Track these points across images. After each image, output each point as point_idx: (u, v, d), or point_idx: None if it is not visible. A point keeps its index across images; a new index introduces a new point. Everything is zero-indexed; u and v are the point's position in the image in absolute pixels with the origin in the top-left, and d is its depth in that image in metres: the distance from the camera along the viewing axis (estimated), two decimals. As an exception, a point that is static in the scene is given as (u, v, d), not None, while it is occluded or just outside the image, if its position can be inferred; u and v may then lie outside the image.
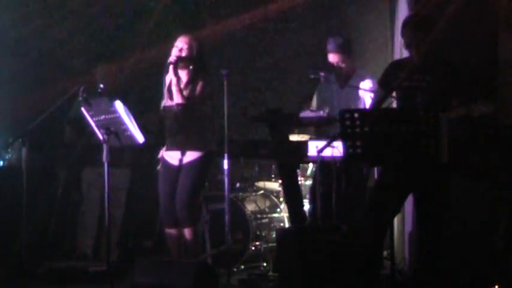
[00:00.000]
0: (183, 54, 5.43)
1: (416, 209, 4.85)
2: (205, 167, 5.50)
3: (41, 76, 7.71)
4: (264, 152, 5.97)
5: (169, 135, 5.54)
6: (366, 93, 5.89)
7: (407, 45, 4.80)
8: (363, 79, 6.00)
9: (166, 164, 5.54)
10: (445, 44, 4.91)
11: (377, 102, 4.94)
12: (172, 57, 5.40)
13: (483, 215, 5.19)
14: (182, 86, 5.45)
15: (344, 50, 6.02)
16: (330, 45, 6.04)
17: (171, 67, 5.39)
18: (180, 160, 5.45)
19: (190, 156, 5.43)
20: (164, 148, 5.60)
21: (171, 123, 5.51)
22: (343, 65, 6.01)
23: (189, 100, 5.37)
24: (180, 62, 5.41)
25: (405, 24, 4.80)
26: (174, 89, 5.39)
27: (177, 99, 5.38)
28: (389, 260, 4.62)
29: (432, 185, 4.66)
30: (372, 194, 4.93)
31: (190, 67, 5.46)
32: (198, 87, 5.41)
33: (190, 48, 5.44)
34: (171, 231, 5.53)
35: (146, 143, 5.31)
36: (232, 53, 7.93)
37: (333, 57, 6.02)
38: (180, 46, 5.44)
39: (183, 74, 5.48)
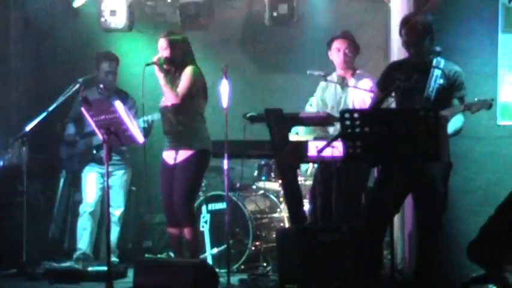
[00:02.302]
0: (164, 55, 5.44)
1: (416, 209, 4.85)
2: (199, 166, 5.50)
3: (41, 75, 7.72)
4: (264, 152, 5.97)
5: (165, 135, 5.56)
6: (366, 93, 5.88)
7: (406, 45, 4.80)
8: (362, 79, 5.98)
9: (164, 164, 5.56)
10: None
11: (376, 102, 4.94)
12: (154, 58, 5.41)
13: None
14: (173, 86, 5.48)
15: (351, 37, 5.97)
16: (338, 34, 5.99)
17: (155, 68, 5.39)
18: (175, 159, 5.47)
19: (183, 155, 5.44)
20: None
21: (166, 122, 5.53)
22: (348, 52, 5.87)
23: (178, 99, 5.37)
24: (163, 63, 5.40)
25: (403, 24, 4.80)
26: (164, 89, 5.41)
27: (169, 99, 5.39)
28: (390, 260, 4.61)
29: (431, 185, 4.66)
30: (371, 194, 4.93)
31: (174, 67, 5.47)
32: (183, 86, 5.40)
33: (170, 51, 5.44)
34: (172, 230, 5.55)
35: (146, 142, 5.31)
36: (232, 53, 7.93)
37: (339, 43, 5.91)
38: (161, 48, 5.48)
39: (171, 75, 5.49)
